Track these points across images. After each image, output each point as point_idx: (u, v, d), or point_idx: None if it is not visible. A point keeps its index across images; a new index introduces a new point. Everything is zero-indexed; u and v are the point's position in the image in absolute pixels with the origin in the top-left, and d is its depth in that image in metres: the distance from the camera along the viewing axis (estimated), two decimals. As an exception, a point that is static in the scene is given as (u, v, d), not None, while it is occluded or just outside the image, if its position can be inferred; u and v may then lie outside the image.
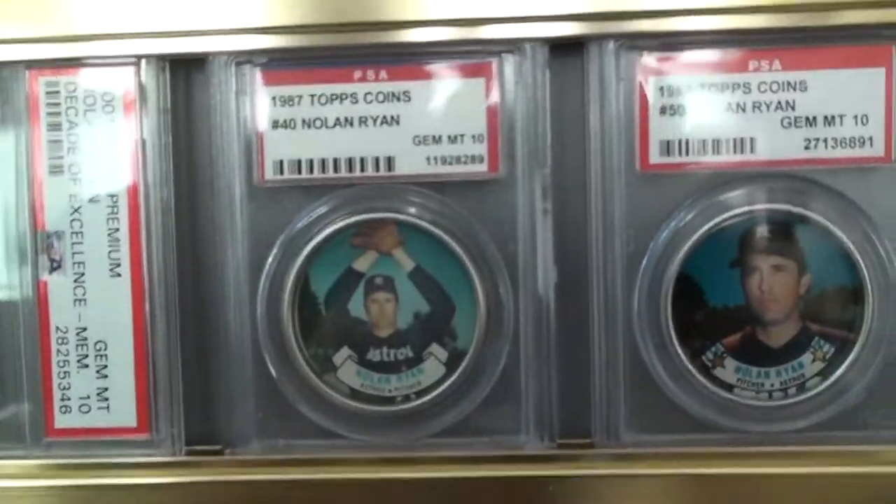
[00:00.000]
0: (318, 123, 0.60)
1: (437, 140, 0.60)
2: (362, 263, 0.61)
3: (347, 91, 0.60)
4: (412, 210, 0.60)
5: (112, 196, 0.61)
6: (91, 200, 0.61)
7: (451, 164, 0.60)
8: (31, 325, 0.61)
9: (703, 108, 0.59)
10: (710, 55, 0.59)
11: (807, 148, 0.59)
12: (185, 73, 0.61)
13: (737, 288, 0.60)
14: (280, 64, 0.60)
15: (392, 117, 0.60)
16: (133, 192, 0.61)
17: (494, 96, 0.60)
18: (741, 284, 0.60)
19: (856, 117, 0.59)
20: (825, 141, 0.59)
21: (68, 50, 0.60)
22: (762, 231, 0.60)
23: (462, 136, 0.60)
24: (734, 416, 0.60)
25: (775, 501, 0.59)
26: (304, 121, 0.60)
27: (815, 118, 0.59)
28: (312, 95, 0.60)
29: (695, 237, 0.59)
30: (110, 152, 0.61)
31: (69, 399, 0.61)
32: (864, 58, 0.59)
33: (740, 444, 0.60)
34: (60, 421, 0.62)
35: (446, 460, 0.60)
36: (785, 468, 0.59)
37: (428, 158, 0.60)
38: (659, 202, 0.60)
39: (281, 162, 0.60)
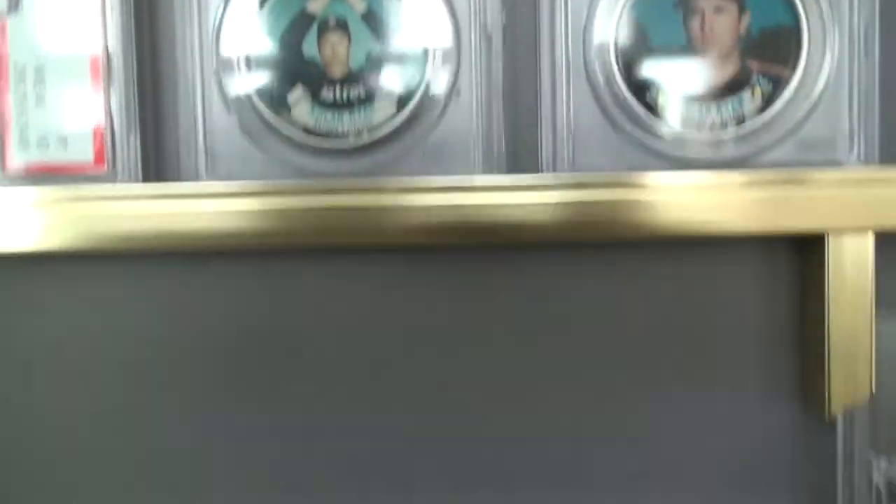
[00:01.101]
0: None
1: None
2: (315, 5, 0.61)
3: None
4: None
5: None
6: None
7: None
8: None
9: None
10: None
11: None
12: None
13: (679, 29, 0.61)
14: None
15: None
16: None
17: None
18: (683, 26, 0.61)
19: None
20: None
21: None
22: (703, -27, 0.60)
23: None
24: (680, 148, 0.62)
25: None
26: None
27: None
28: None
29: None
30: None
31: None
32: None
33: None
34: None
35: (399, 190, 0.60)
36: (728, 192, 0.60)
37: None
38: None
39: None
